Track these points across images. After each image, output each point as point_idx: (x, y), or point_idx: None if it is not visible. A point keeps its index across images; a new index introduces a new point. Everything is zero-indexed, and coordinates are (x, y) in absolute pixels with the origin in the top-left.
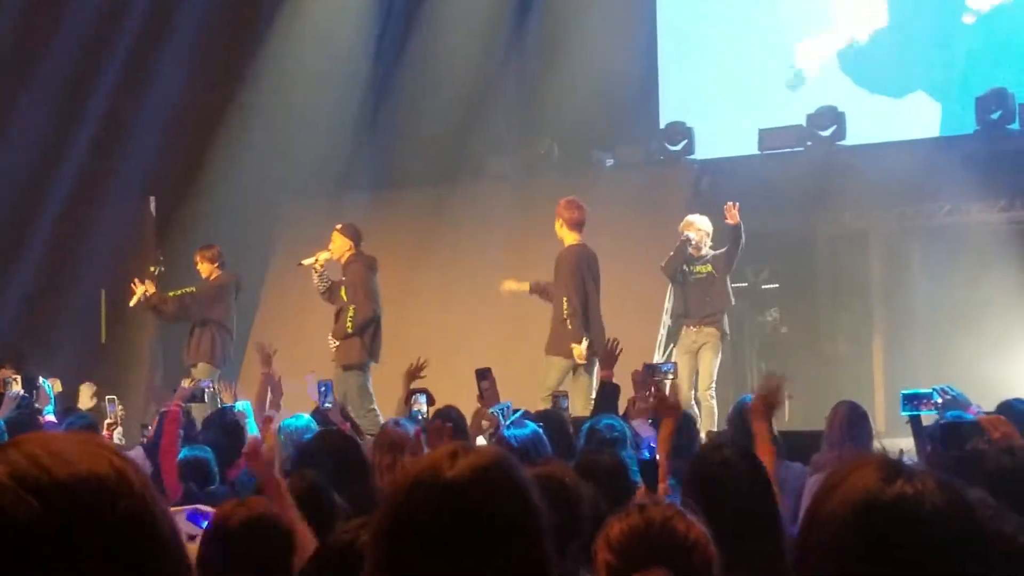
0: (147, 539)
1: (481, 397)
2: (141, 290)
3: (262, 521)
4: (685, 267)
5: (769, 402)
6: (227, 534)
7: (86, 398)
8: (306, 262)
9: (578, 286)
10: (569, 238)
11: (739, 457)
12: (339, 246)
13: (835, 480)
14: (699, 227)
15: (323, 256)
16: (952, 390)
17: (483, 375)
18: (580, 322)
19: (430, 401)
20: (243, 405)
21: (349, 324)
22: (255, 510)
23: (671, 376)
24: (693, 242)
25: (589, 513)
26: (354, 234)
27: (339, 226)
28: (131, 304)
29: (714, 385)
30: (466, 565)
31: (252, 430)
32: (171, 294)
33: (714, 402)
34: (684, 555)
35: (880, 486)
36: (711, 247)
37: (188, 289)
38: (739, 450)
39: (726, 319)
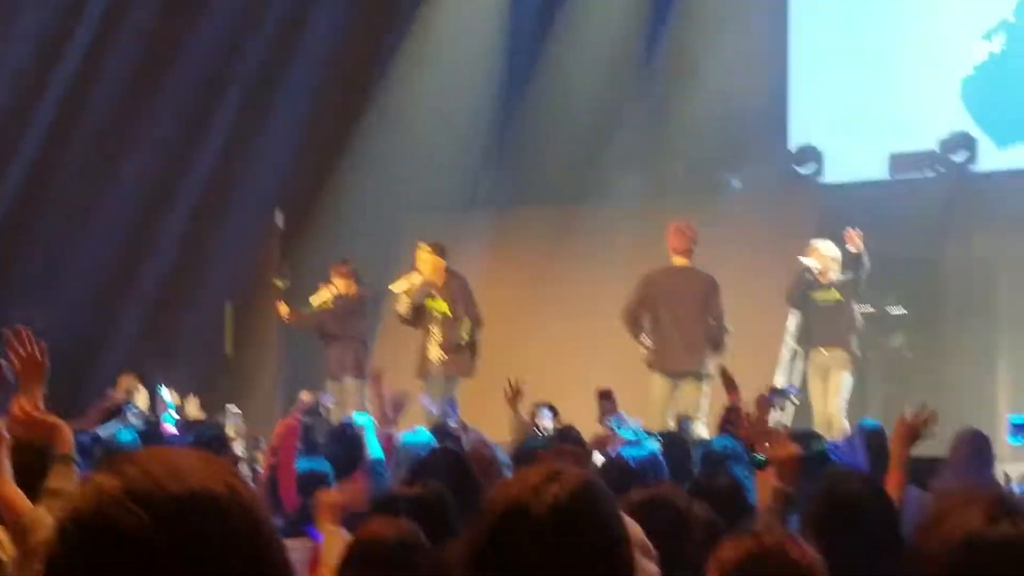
0: (255, 558)
1: (602, 416)
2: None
3: (410, 540)
4: (810, 293)
5: (916, 431)
6: (377, 553)
7: (193, 410)
8: (399, 288)
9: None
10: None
11: (869, 491)
12: (434, 266)
13: (940, 515)
14: (823, 253)
15: (418, 279)
16: None
17: (605, 395)
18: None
19: (555, 416)
20: (364, 419)
21: (465, 335)
22: (404, 530)
23: (795, 399)
24: (815, 271)
25: (702, 536)
26: (444, 252)
27: (427, 247)
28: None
29: (845, 406)
30: None
31: (373, 444)
32: (308, 310)
33: (845, 422)
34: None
35: (985, 526)
36: (840, 273)
37: (326, 304)
38: (869, 483)
39: (855, 341)
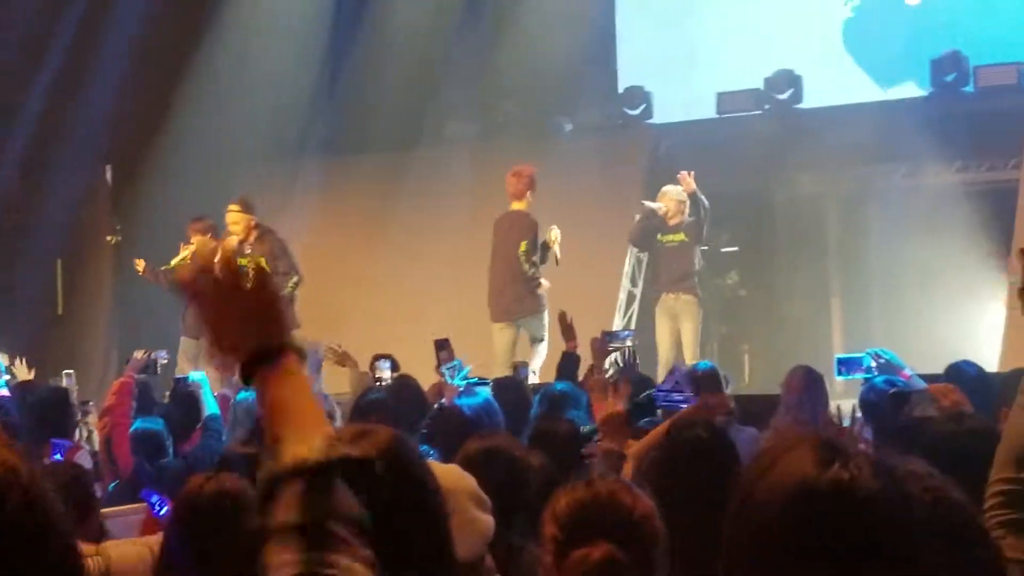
0: (34, 539)
1: (439, 367)
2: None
3: (234, 496)
4: (657, 236)
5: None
6: (197, 509)
7: (23, 371)
8: (175, 261)
9: None
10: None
11: (712, 436)
12: (245, 223)
13: (768, 461)
14: (672, 197)
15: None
16: (885, 353)
17: (442, 345)
18: None
19: (394, 367)
20: (199, 376)
21: (291, 288)
22: (225, 485)
23: (629, 343)
24: (660, 212)
25: (539, 485)
26: (252, 207)
27: (235, 204)
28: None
29: (698, 351)
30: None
31: (209, 402)
32: (166, 267)
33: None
34: (630, 529)
35: (816, 470)
36: (686, 216)
37: (185, 262)
38: (712, 429)
39: (698, 283)
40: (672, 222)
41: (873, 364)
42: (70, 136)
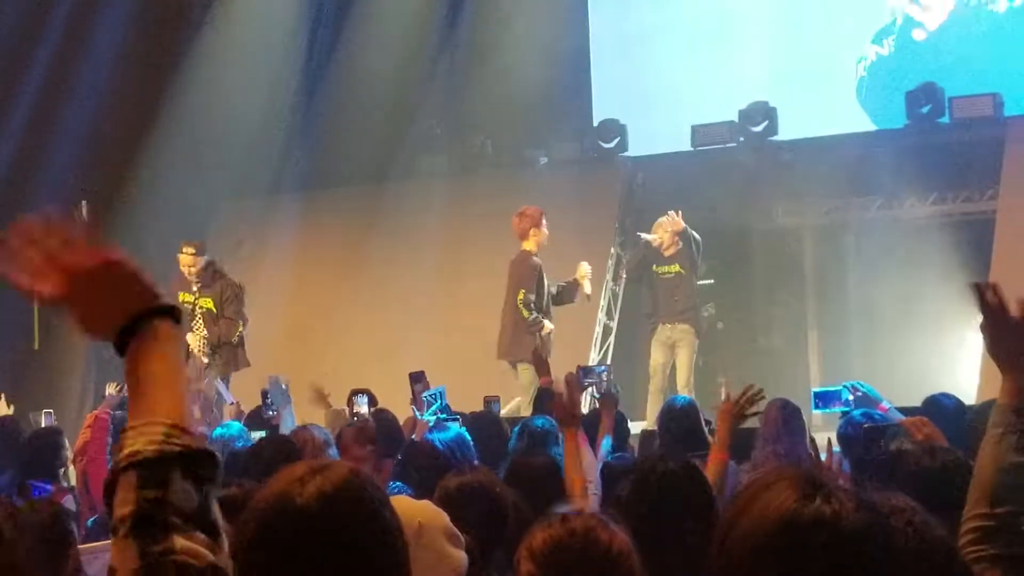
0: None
1: (415, 400)
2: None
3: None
4: (652, 267)
5: (742, 411)
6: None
7: (1, 407)
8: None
9: None
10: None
11: (682, 471)
12: (198, 266)
13: (749, 496)
14: (666, 228)
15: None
16: (863, 386)
17: (417, 378)
18: None
19: (372, 402)
20: None
21: (237, 337)
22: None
23: (605, 378)
24: (655, 244)
25: (516, 520)
26: (204, 250)
27: (190, 247)
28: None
29: (692, 380)
30: None
31: None
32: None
33: (692, 397)
34: (607, 567)
35: (798, 504)
36: (679, 247)
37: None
38: (682, 465)
39: (699, 316)
40: (667, 253)
41: (850, 397)
42: (46, 172)
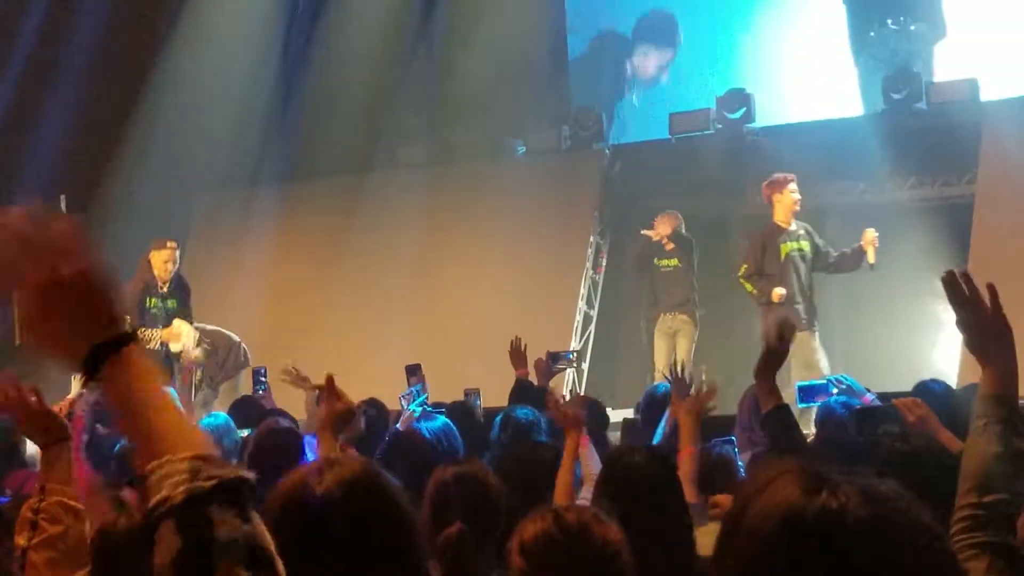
0: None
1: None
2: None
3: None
4: (654, 260)
5: (703, 405)
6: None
7: None
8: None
9: None
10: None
11: (650, 461)
12: (174, 267)
13: (751, 492)
14: (667, 223)
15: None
16: (846, 379)
17: (412, 371)
18: None
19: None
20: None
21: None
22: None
23: (573, 363)
24: (655, 239)
25: (506, 512)
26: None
27: (174, 243)
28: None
29: (691, 366)
30: None
31: None
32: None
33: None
34: (597, 561)
35: (803, 500)
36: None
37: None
38: (650, 455)
39: (696, 307)
40: (668, 247)
41: (835, 391)
42: (23, 169)
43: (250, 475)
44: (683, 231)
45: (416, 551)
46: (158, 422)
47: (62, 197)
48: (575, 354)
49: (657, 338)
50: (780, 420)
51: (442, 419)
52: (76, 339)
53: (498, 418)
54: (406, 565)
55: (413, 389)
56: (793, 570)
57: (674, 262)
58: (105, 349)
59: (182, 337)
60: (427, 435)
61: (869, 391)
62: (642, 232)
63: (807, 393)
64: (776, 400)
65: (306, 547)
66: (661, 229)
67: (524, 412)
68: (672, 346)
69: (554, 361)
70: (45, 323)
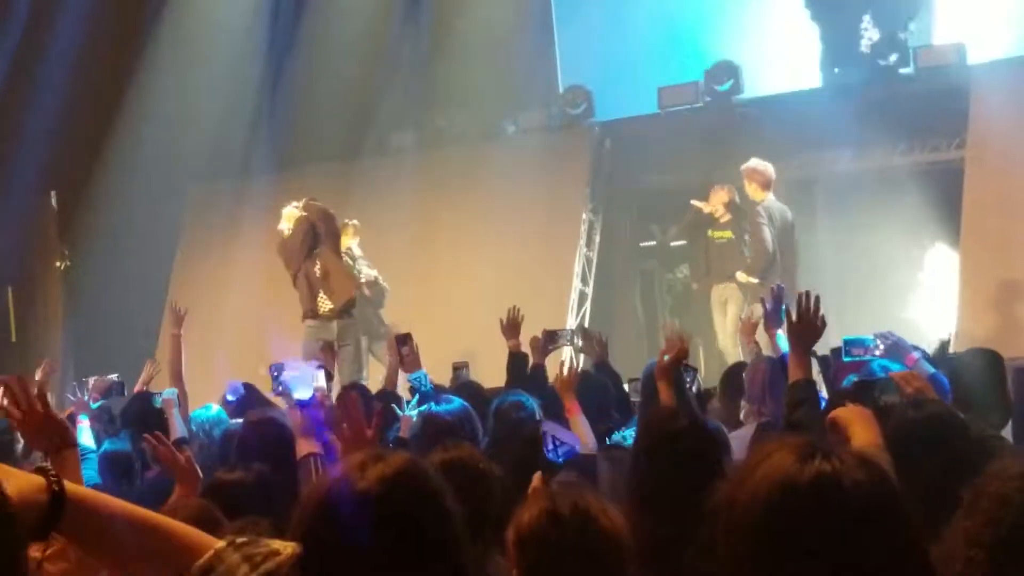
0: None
1: (402, 362)
2: None
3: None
4: (707, 231)
5: (675, 359)
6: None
7: None
8: None
9: None
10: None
11: (693, 429)
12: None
13: (753, 462)
14: (720, 197)
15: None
16: (892, 335)
17: (403, 341)
18: None
19: (328, 376)
20: (170, 393)
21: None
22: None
23: (570, 342)
24: (706, 211)
25: (502, 496)
26: None
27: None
28: None
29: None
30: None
31: (179, 422)
32: None
33: (739, 349)
34: (593, 547)
35: (797, 466)
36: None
37: None
38: (695, 422)
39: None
40: (722, 220)
41: (880, 345)
42: (12, 164)
43: (293, 548)
44: (737, 202)
45: (457, 551)
46: (153, 530)
47: (52, 194)
48: (571, 333)
49: (714, 310)
50: (796, 394)
51: (459, 401)
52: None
53: (493, 407)
54: (446, 566)
55: (414, 378)
56: (791, 535)
57: (728, 234)
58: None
59: None
60: (450, 419)
61: (917, 348)
62: (692, 203)
63: (853, 347)
64: (799, 374)
65: (344, 546)
66: (715, 201)
67: (515, 399)
68: (725, 316)
69: (551, 340)
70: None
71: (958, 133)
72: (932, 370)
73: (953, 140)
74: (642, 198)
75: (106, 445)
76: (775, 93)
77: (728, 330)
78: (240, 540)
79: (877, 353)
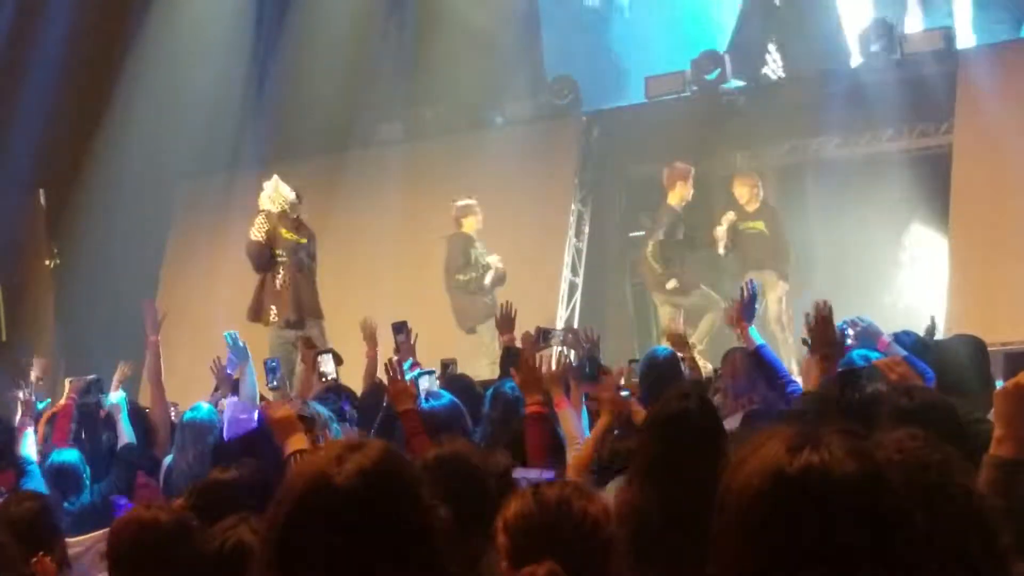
0: None
1: (397, 350)
2: None
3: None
4: (739, 224)
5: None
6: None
7: None
8: None
9: None
10: None
11: (699, 409)
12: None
13: (744, 454)
14: (744, 183)
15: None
16: (863, 320)
17: (399, 329)
18: None
19: (337, 361)
20: (119, 398)
21: None
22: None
23: (562, 342)
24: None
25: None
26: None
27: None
28: None
29: (783, 317)
30: (359, 569)
31: (127, 428)
32: None
33: (786, 334)
34: (579, 537)
35: (786, 458)
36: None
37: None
38: (702, 403)
39: (783, 263)
40: (750, 208)
41: (851, 332)
42: (2, 159)
43: None
44: (760, 193)
45: (437, 545)
46: None
47: (41, 191)
48: (563, 333)
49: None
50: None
51: (448, 397)
52: None
53: (488, 392)
54: (424, 558)
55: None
56: (782, 526)
57: (759, 225)
58: None
59: None
60: (441, 414)
61: (909, 333)
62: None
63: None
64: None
65: (325, 534)
66: (740, 189)
67: (513, 385)
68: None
69: (544, 338)
70: None
71: (946, 118)
72: (904, 353)
73: (941, 125)
74: (631, 188)
75: (52, 457)
76: (762, 81)
77: (771, 315)
78: None
79: (849, 341)
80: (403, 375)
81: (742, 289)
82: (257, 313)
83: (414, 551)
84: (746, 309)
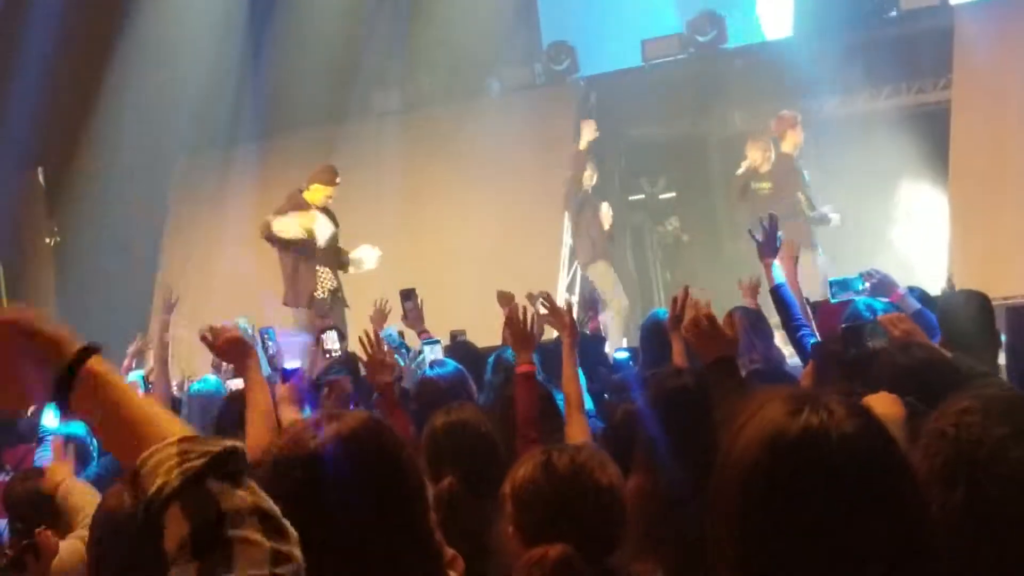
0: None
1: (405, 317)
2: None
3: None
4: (752, 185)
5: (676, 315)
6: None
7: None
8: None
9: None
10: None
11: (696, 385)
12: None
13: (744, 419)
14: (757, 147)
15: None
16: (878, 272)
17: (407, 296)
18: None
19: (341, 337)
20: (136, 375)
21: None
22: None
23: (543, 303)
24: (750, 167)
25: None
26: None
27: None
28: None
29: (817, 271)
30: (340, 535)
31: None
32: None
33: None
34: (590, 503)
35: (787, 419)
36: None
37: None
38: (699, 379)
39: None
40: (763, 170)
41: (866, 284)
42: None
43: (239, 444)
44: (772, 155)
45: (418, 511)
46: (134, 419)
47: (39, 169)
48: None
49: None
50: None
51: (453, 364)
52: (33, 382)
53: (491, 359)
54: (405, 524)
55: (388, 332)
56: (782, 489)
57: (768, 184)
58: (64, 380)
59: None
60: (443, 384)
61: (912, 289)
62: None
63: (839, 287)
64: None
65: (300, 505)
66: (751, 156)
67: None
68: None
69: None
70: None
71: (943, 74)
72: (918, 305)
73: (939, 81)
74: (629, 151)
75: (59, 429)
76: (759, 41)
77: (807, 271)
78: (188, 435)
79: (864, 293)
80: (380, 347)
81: (762, 223)
82: (299, 298)
83: (394, 515)
84: (767, 244)
